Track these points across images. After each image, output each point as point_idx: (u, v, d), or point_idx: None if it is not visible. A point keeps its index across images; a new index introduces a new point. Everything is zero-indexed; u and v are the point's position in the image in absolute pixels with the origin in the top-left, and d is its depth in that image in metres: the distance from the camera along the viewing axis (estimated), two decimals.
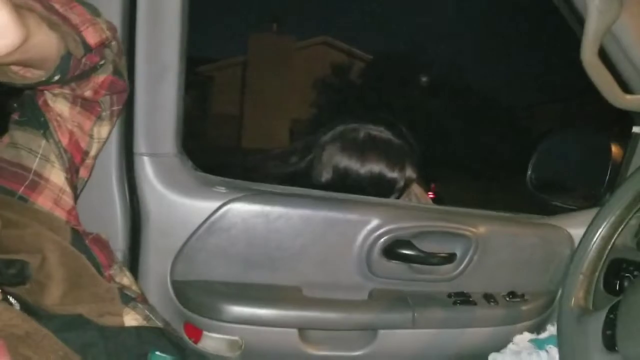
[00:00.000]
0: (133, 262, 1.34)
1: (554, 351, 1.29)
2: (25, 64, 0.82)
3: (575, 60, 1.06)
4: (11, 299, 0.75)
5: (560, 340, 1.14)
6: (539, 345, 1.35)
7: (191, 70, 1.28)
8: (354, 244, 1.40)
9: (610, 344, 1.04)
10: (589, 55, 1.04)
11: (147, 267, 1.34)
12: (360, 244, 1.40)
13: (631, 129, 1.52)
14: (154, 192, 1.31)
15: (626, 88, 1.21)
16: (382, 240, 1.40)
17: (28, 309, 0.76)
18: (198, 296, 1.35)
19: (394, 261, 1.42)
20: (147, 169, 1.30)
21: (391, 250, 1.40)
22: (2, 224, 0.71)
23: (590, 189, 1.57)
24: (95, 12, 1.00)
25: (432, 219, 1.47)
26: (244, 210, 1.34)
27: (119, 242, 1.29)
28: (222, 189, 1.35)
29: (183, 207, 1.32)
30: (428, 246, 1.41)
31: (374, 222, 1.40)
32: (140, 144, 1.29)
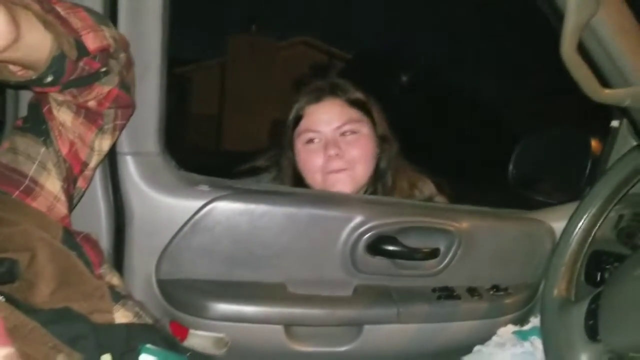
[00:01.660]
0: (118, 262, 1.33)
1: (537, 342, 1.31)
2: (16, 62, 0.82)
3: (555, 56, 1.08)
4: None
5: (543, 331, 1.16)
6: (523, 336, 1.37)
7: (169, 71, 1.28)
8: (338, 241, 1.41)
9: (592, 333, 1.06)
10: (568, 50, 1.06)
11: (132, 267, 1.33)
12: (344, 241, 1.41)
13: (610, 123, 1.55)
14: (137, 191, 1.30)
15: (605, 82, 1.23)
16: (366, 236, 1.41)
17: (16, 305, 0.75)
18: (183, 295, 1.35)
19: (378, 257, 1.43)
20: (130, 168, 1.29)
21: (375, 246, 1.41)
22: None
23: (570, 183, 1.59)
24: (102, 21, 1.01)
25: (416, 215, 1.48)
26: (228, 209, 1.33)
27: (103, 242, 1.27)
28: (206, 188, 1.35)
29: (167, 206, 1.32)
30: (412, 242, 1.42)
31: (358, 219, 1.40)
32: (123, 143, 1.28)
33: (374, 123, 1.72)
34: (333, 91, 1.70)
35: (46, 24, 0.84)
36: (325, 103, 1.69)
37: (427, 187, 1.80)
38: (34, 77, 0.88)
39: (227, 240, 1.35)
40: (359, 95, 1.72)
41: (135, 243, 1.33)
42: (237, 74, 18.73)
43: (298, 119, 1.71)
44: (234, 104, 18.58)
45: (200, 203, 1.32)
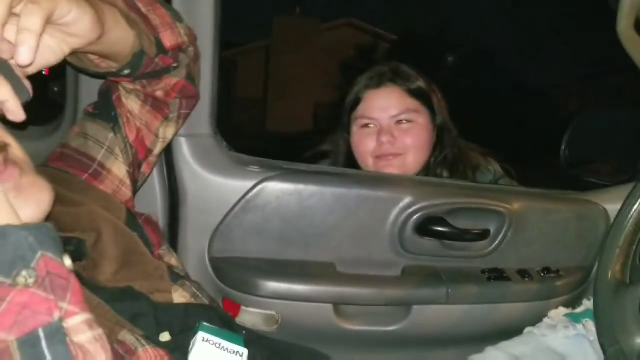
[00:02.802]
0: (172, 240, 1.37)
1: (590, 324, 1.29)
2: (98, 53, 0.87)
3: (610, 34, 1.05)
4: None
5: (596, 314, 1.14)
6: (575, 319, 1.35)
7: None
8: (386, 221, 1.41)
9: None
10: (625, 27, 1.03)
11: (186, 244, 1.38)
12: (392, 221, 1.41)
13: None
14: (191, 172, 1.33)
15: None
16: (415, 217, 1.41)
17: (82, 283, 0.79)
18: (235, 272, 1.38)
19: (427, 238, 1.43)
20: (184, 149, 1.33)
21: (424, 227, 1.41)
22: (59, 201, 0.75)
23: (625, 164, 1.55)
24: (177, 17, 1.06)
25: (465, 196, 1.47)
26: (278, 189, 1.36)
27: (158, 221, 1.32)
28: (257, 168, 1.37)
29: (219, 186, 1.35)
30: (461, 223, 1.41)
31: (407, 200, 1.40)
32: None
33: (433, 112, 1.70)
34: (394, 79, 1.68)
35: (130, 21, 0.88)
36: (385, 90, 1.67)
37: (493, 168, 1.76)
38: (114, 70, 0.93)
39: (277, 220, 1.37)
40: (420, 83, 1.69)
41: (189, 222, 1.36)
42: (282, 57, 18.76)
43: (356, 102, 1.70)
44: (279, 86, 18.64)
45: (251, 183, 1.35)
